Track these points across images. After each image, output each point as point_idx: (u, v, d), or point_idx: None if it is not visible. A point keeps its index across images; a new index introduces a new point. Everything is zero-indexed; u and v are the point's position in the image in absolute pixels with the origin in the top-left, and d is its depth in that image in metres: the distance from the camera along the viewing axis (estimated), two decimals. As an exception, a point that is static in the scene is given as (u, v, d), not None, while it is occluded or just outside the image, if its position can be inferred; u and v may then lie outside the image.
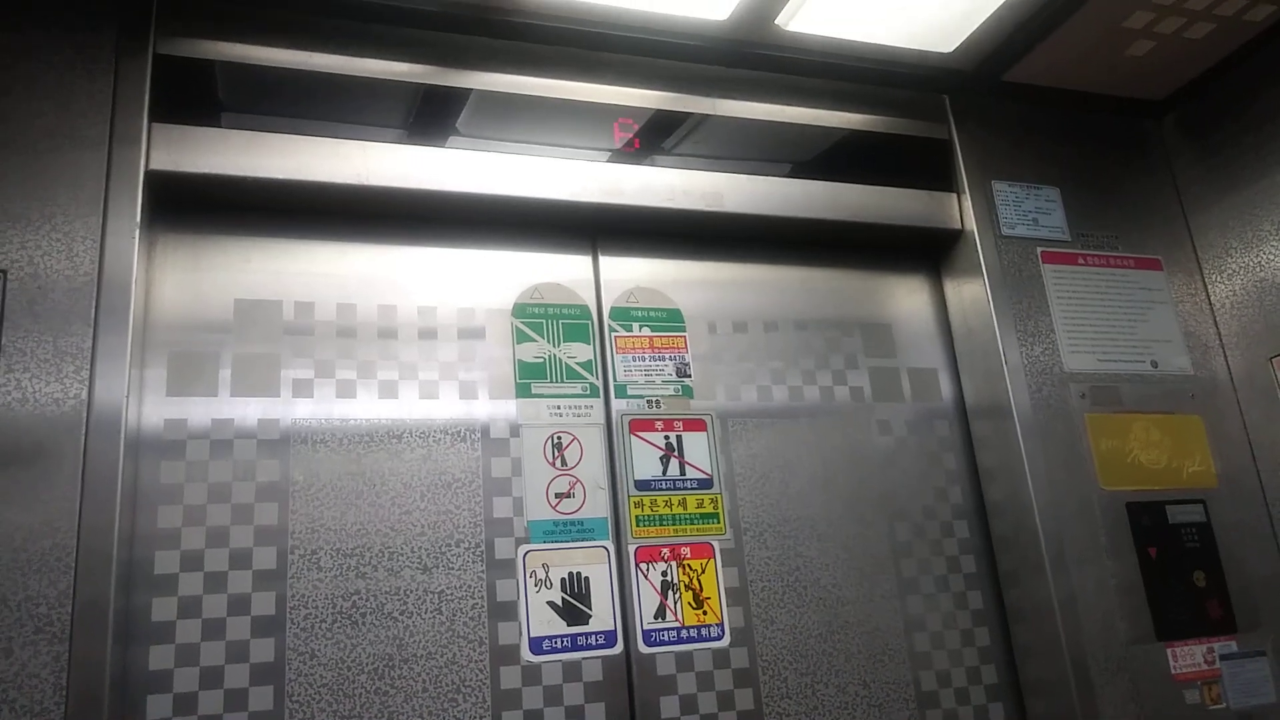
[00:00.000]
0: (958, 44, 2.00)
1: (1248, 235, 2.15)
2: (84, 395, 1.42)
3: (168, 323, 1.62)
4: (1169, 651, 1.89)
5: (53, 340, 1.43)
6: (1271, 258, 2.09)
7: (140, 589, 1.48)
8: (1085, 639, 1.84)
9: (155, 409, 1.57)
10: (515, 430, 1.76)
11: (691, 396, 1.89)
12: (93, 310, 1.46)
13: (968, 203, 2.11)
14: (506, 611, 1.65)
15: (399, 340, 1.75)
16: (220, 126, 1.63)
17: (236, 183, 1.64)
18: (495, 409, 1.76)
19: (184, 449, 1.56)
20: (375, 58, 1.76)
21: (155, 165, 1.57)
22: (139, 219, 1.52)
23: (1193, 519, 2.01)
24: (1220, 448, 2.10)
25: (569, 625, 1.67)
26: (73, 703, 1.30)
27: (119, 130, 1.56)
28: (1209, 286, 2.24)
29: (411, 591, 1.61)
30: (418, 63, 1.80)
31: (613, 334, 1.89)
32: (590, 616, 1.69)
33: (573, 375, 1.83)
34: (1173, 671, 1.88)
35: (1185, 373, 2.15)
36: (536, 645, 1.64)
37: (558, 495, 1.74)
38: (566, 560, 1.71)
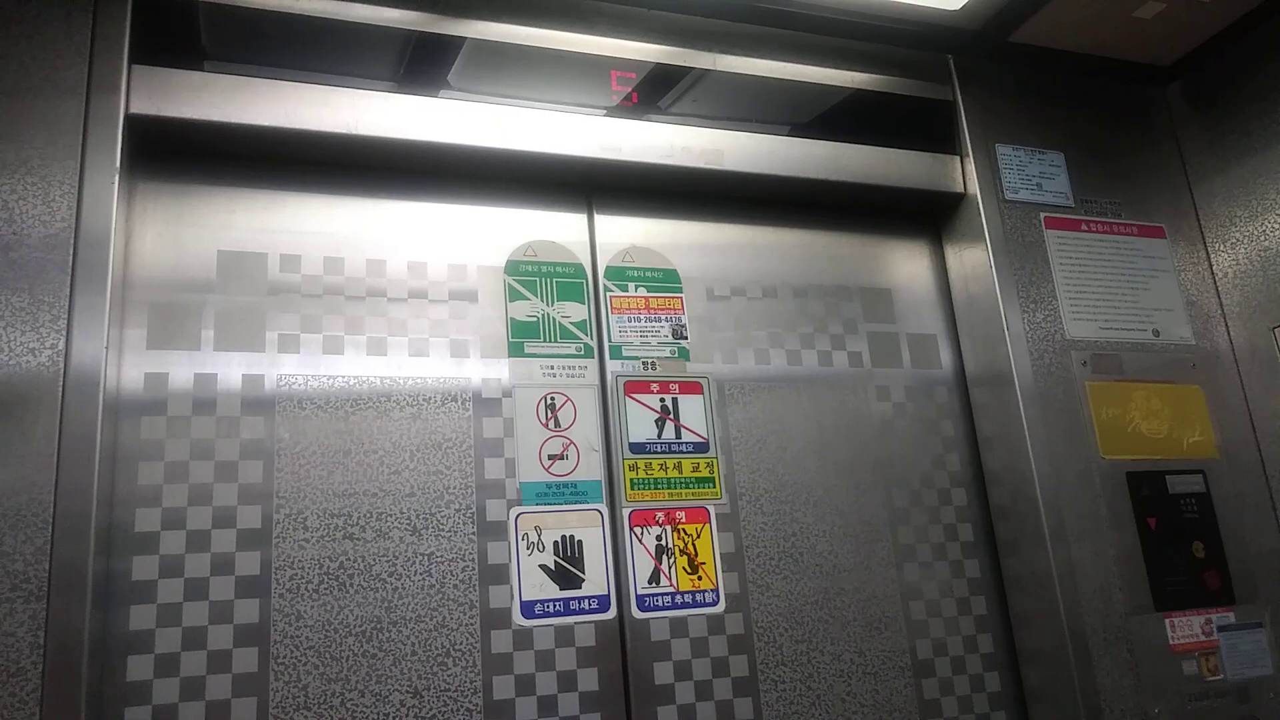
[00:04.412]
0: (964, 2, 1.95)
1: (1252, 205, 2.12)
2: (61, 346, 1.37)
3: (148, 274, 1.56)
4: (1167, 622, 1.87)
5: (29, 289, 1.38)
6: (1275, 228, 2.06)
7: (120, 547, 1.43)
8: (1083, 609, 1.82)
9: (135, 363, 1.52)
10: (508, 390, 1.72)
11: (688, 359, 1.85)
12: (70, 258, 1.40)
13: (971, 166, 2.06)
14: (498, 575, 1.61)
15: (388, 297, 1.70)
16: (204, 70, 1.57)
17: (220, 129, 1.58)
18: (487, 368, 1.72)
19: (165, 405, 1.51)
20: (365, 3, 1.70)
21: (135, 109, 1.51)
22: (118, 165, 1.46)
23: (1192, 489, 1.99)
24: (1220, 418, 2.08)
25: (561, 589, 1.64)
26: (50, 661, 1.25)
27: (98, 73, 1.49)
28: (1212, 256, 2.21)
29: (400, 554, 1.57)
30: (409, 9, 1.73)
31: (608, 294, 1.84)
32: (583, 580, 1.65)
33: (567, 335, 1.79)
34: (1171, 642, 1.86)
35: (1187, 342, 2.12)
36: (528, 609, 1.61)
37: (551, 457, 1.70)
38: (559, 523, 1.67)
